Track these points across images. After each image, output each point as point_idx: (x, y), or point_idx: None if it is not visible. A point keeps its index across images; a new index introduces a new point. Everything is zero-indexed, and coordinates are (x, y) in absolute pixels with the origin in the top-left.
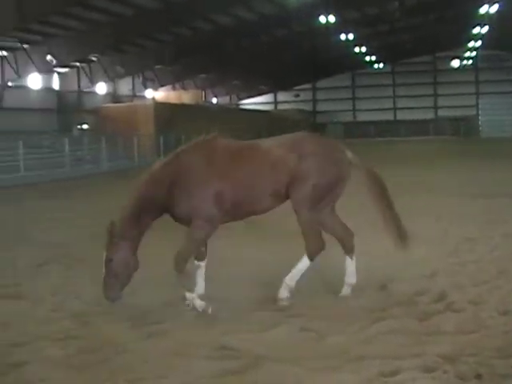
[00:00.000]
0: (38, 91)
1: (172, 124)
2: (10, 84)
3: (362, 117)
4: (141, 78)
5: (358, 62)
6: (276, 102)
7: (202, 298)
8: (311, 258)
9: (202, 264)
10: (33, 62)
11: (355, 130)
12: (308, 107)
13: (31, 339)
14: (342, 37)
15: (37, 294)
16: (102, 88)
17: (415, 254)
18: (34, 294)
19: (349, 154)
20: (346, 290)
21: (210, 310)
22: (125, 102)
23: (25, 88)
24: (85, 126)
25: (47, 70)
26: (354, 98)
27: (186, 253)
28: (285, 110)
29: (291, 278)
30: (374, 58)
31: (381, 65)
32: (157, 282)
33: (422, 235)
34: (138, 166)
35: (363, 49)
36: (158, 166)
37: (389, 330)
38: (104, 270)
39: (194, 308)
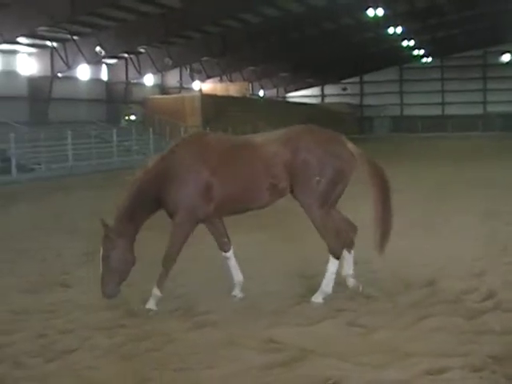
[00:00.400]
0: (86, 82)
1: (218, 116)
2: (59, 75)
3: (410, 111)
4: (188, 70)
5: (406, 55)
6: (323, 95)
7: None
8: (337, 257)
9: (229, 254)
10: (82, 54)
11: (402, 125)
12: (355, 101)
13: (79, 327)
14: (390, 30)
15: (84, 283)
16: (149, 79)
17: (464, 251)
18: (82, 283)
19: (351, 147)
20: (351, 282)
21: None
22: (172, 94)
23: (74, 79)
24: (132, 117)
25: (96, 61)
26: (401, 92)
27: (175, 250)
28: (332, 104)
29: (327, 285)
30: (422, 52)
31: (429, 59)
32: (204, 274)
33: (471, 232)
34: None
35: (411, 42)
36: (153, 162)
37: (436, 327)
38: (101, 267)
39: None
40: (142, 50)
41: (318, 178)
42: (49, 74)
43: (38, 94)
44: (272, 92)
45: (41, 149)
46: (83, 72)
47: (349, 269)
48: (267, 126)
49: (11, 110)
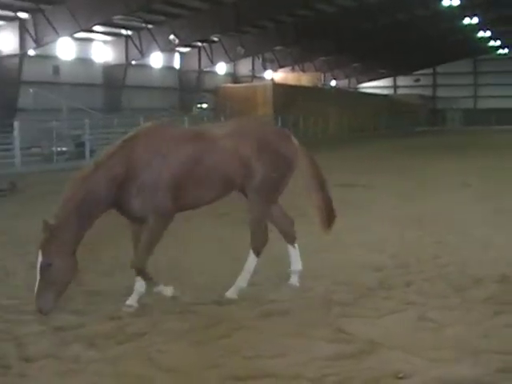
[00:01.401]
0: (159, 70)
1: (290, 106)
2: (133, 63)
3: (483, 104)
4: (260, 59)
5: (481, 47)
6: (395, 87)
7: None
8: (258, 254)
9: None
10: (156, 42)
11: (475, 118)
12: (427, 92)
13: (151, 311)
14: (466, 21)
15: (155, 268)
16: (221, 68)
17: None
18: (152, 268)
19: (295, 141)
20: (293, 279)
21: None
22: (244, 83)
23: (147, 67)
24: (204, 105)
25: (169, 49)
26: (475, 85)
27: (147, 251)
28: (404, 95)
29: (243, 280)
30: (498, 43)
31: (505, 50)
32: (272, 263)
33: None
34: None
35: (487, 33)
36: (104, 158)
37: (509, 323)
38: (38, 277)
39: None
40: (215, 39)
41: (273, 175)
42: (123, 61)
43: (112, 81)
44: (344, 83)
45: (114, 135)
46: (156, 60)
47: (297, 265)
48: (338, 117)
49: (86, 97)
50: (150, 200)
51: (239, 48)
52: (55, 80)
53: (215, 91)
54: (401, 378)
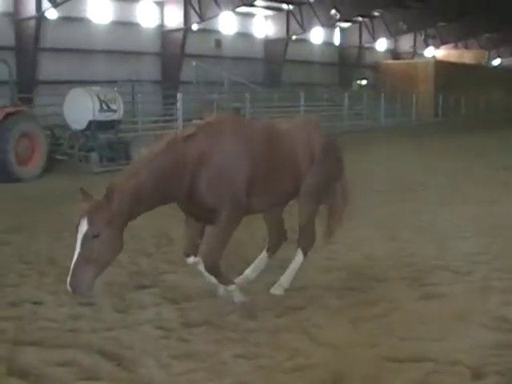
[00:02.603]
0: (319, 45)
1: (452, 84)
2: (293, 37)
3: None
4: (423, 36)
5: None
6: None
7: None
8: (305, 254)
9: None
10: (317, 17)
11: None
12: None
13: (309, 286)
14: None
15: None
16: (382, 44)
17: None
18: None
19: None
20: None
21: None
22: (404, 59)
23: (307, 42)
24: (364, 82)
25: (330, 24)
26: None
27: (220, 248)
28: None
29: (287, 279)
30: None
31: None
32: (434, 244)
33: None
34: (415, 125)
35: None
36: (180, 139)
37: None
38: (78, 249)
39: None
40: (377, 14)
41: (328, 177)
42: (284, 36)
43: (273, 55)
44: (510, 61)
45: (274, 109)
46: (316, 35)
47: (252, 272)
48: (503, 97)
49: (247, 71)
50: (226, 191)
51: (401, 23)
52: (217, 54)
53: (375, 67)
54: None
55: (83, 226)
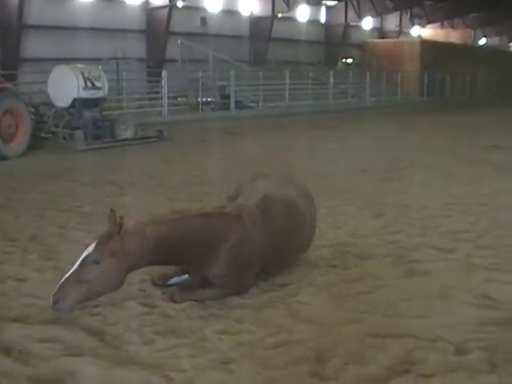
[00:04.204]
0: (305, 23)
1: (437, 63)
2: (279, 15)
3: None
4: (409, 14)
5: None
6: None
7: None
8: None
9: None
10: None
11: None
12: None
13: (294, 263)
14: None
15: None
16: (368, 23)
17: None
18: None
19: None
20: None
21: None
22: (390, 38)
23: (293, 20)
24: (349, 60)
25: (316, 2)
26: None
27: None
28: None
29: None
30: None
31: None
32: (417, 222)
33: None
34: (400, 103)
35: None
36: (216, 213)
37: None
38: (75, 267)
39: None
40: None
41: None
42: (269, 14)
43: (258, 33)
44: (495, 40)
45: (259, 87)
46: (302, 13)
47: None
48: (488, 76)
49: (232, 49)
50: (236, 279)
51: (387, 2)
52: (202, 31)
53: (361, 46)
54: None
55: (90, 248)
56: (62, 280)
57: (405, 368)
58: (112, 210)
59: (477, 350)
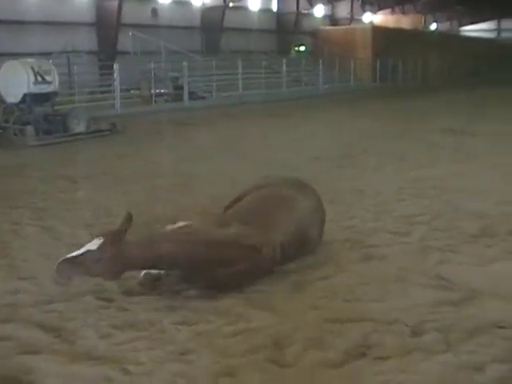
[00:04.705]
0: (257, 12)
1: (389, 49)
2: (230, 5)
3: None
4: (360, 1)
5: None
6: (499, 30)
7: None
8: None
9: None
10: None
11: None
12: None
13: None
14: None
15: None
16: (319, 10)
17: None
18: None
19: None
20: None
21: None
22: (342, 25)
23: (245, 9)
24: (302, 48)
25: None
26: None
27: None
28: (509, 39)
29: None
30: None
31: None
32: (371, 208)
33: None
34: (354, 90)
35: None
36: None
37: None
38: (80, 252)
39: None
40: None
41: None
42: (221, 3)
43: (210, 24)
44: (445, 25)
45: (212, 77)
46: (254, 2)
47: None
48: (439, 61)
49: (184, 40)
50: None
51: None
52: (154, 23)
53: (313, 34)
54: (502, 327)
55: (96, 243)
56: (73, 254)
57: (362, 352)
58: (129, 213)
59: (432, 331)
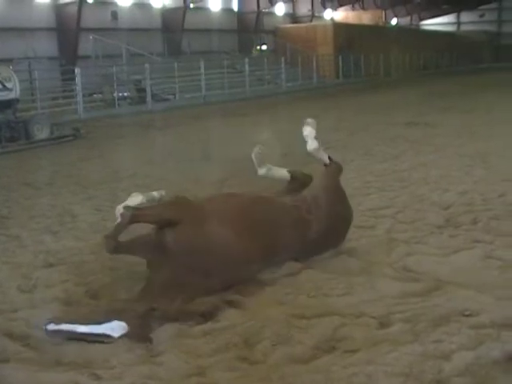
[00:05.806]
0: (217, 12)
1: (351, 45)
2: (191, 6)
3: None
4: None
5: None
6: (459, 23)
7: None
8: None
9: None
10: None
11: None
12: (493, 28)
13: None
14: None
15: None
16: (280, 8)
17: None
18: None
19: None
20: None
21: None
22: (303, 23)
23: (205, 9)
24: (264, 47)
25: None
26: None
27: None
28: (468, 31)
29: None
30: None
31: None
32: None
33: None
34: (317, 87)
35: None
36: None
37: None
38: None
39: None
40: None
41: None
42: (181, 5)
43: (171, 25)
44: (405, 20)
45: (174, 79)
46: (214, 2)
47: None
48: (400, 55)
49: (146, 42)
50: None
51: None
52: (114, 26)
53: (275, 32)
54: (468, 315)
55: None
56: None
57: (331, 345)
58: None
59: (399, 322)
